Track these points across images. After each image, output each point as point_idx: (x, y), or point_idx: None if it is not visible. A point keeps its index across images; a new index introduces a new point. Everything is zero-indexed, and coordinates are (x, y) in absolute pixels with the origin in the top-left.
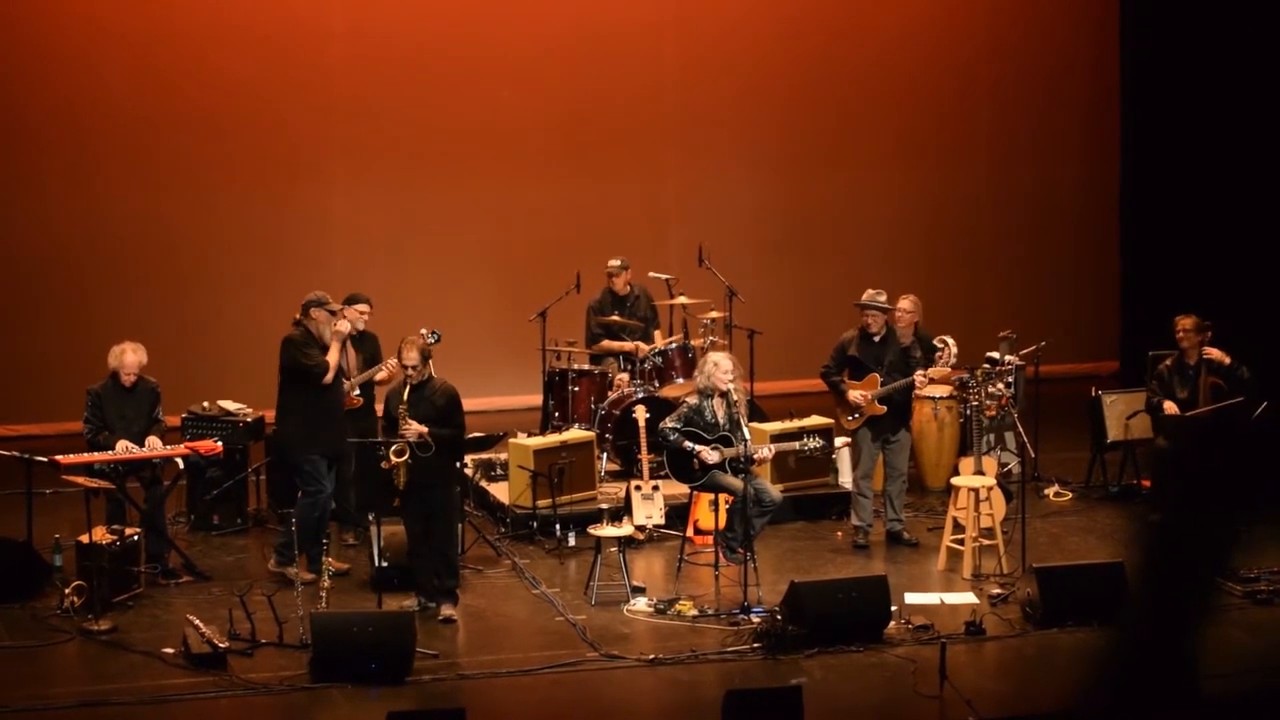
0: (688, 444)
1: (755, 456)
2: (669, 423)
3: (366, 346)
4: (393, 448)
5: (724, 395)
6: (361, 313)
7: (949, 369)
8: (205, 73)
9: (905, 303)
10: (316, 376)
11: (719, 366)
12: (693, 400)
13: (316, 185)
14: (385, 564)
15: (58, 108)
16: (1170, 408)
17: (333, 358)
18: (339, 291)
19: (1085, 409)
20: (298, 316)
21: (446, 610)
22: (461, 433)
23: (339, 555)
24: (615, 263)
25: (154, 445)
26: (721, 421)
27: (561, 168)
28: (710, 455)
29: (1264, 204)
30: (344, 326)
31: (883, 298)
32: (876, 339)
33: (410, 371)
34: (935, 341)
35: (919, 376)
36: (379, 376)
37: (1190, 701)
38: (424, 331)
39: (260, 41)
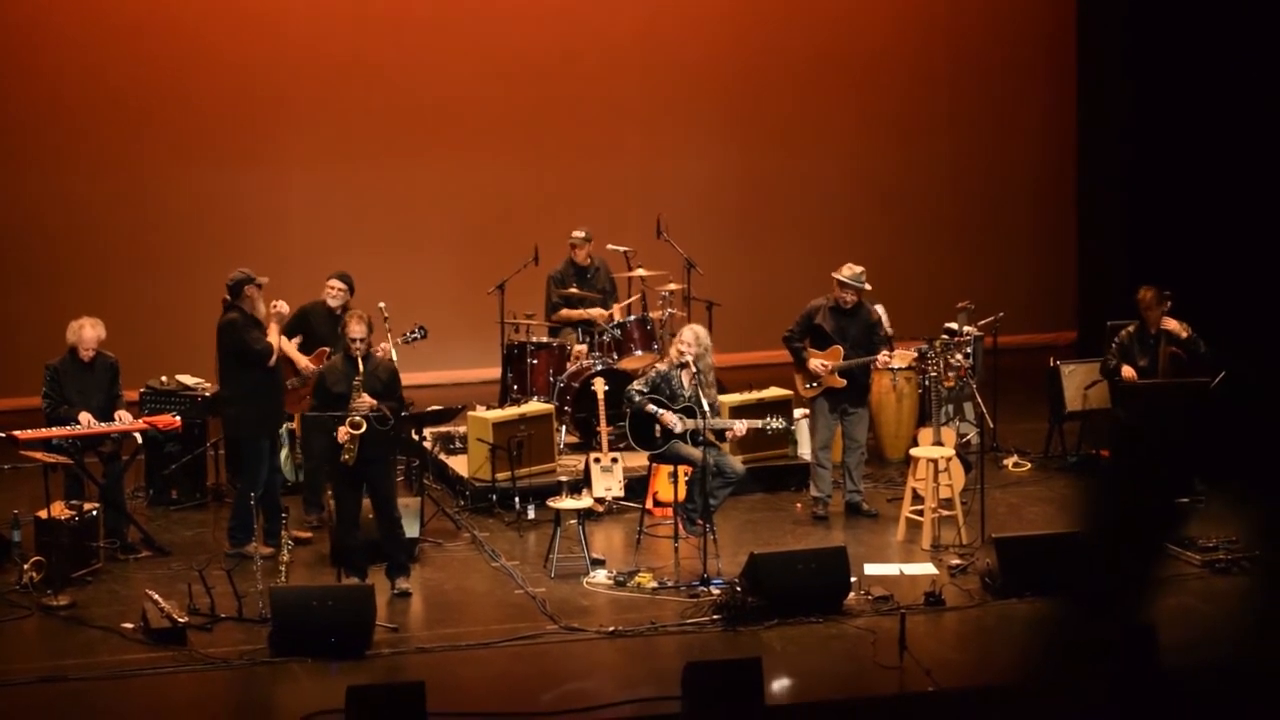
0: (650, 407)
1: (727, 433)
2: (635, 385)
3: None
4: (349, 420)
5: (689, 368)
6: (330, 287)
7: (911, 354)
8: (169, 51)
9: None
10: (263, 359)
11: (681, 339)
12: (662, 367)
13: (275, 161)
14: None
15: (22, 84)
16: (1128, 372)
17: (273, 338)
18: (295, 270)
19: (1044, 379)
20: (227, 298)
21: (401, 584)
22: (402, 406)
23: (301, 527)
24: (580, 234)
25: (124, 419)
26: (688, 393)
27: (519, 141)
28: (671, 419)
29: (1221, 174)
30: (283, 308)
31: (865, 279)
32: (846, 313)
33: (358, 344)
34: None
35: (883, 356)
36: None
37: (1151, 670)
38: (384, 312)
39: (222, 20)
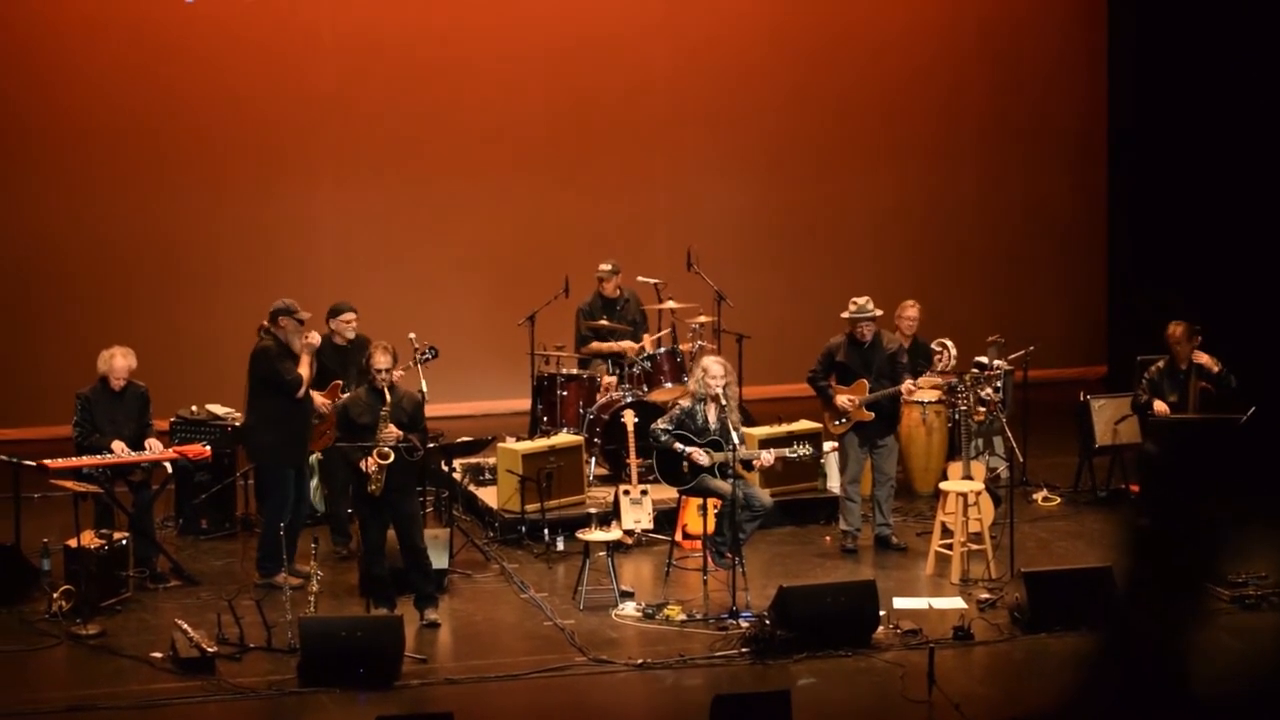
0: (678, 445)
1: (755, 462)
2: (660, 424)
3: (358, 354)
4: (377, 451)
5: (716, 400)
6: (347, 321)
7: (940, 376)
8: (195, 78)
9: (913, 310)
10: (292, 389)
11: (708, 372)
12: (685, 403)
13: (304, 190)
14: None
15: (49, 113)
16: (1160, 407)
17: (304, 370)
18: (323, 298)
19: (1073, 414)
20: (265, 324)
21: (430, 615)
22: (427, 437)
23: (323, 563)
24: (606, 267)
25: (154, 448)
26: (713, 426)
27: (550, 172)
28: (701, 457)
29: (1252, 208)
30: (315, 339)
31: (871, 305)
32: (865, 345)
33: (384, 375)
34: (934, 345)
35: (907, 385)
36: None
37: (1180, 706)
38: (414, 342)
39: (250, 47)
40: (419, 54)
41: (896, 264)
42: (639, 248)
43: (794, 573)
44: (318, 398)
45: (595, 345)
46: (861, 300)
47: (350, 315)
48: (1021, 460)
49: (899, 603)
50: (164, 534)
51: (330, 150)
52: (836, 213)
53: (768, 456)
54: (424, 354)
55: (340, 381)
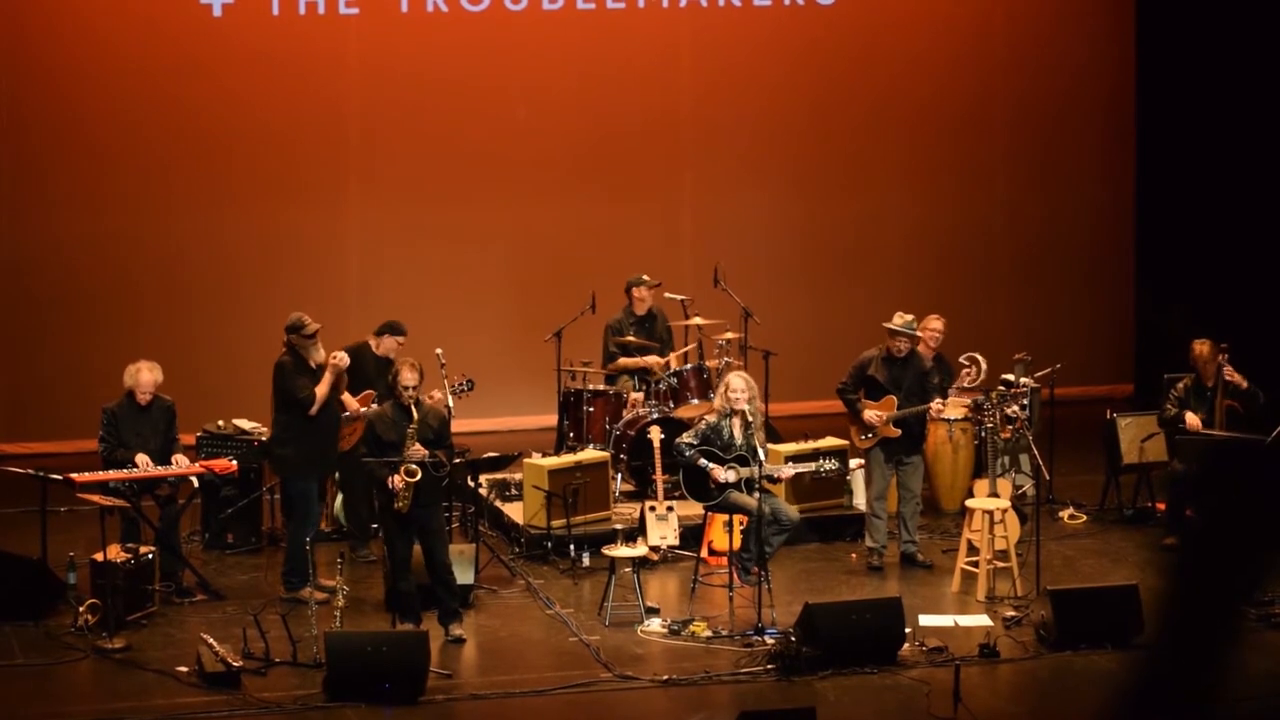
0: (702, 461)
1: (777, 476)
2: (685, 438)
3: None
4: (404, 468)
5: (742, 415)
6: (399, 343)
7: (969, 393)
8: (219, 96)
9: (938, 323)
10: (304, 407)
11: (730, 386)
12: (712, 418)
13: (332, 206)
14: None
15: (70, 129)
16: (1192, 420)
17: (321, 390)
18: (350, 315)
19: (1100, 432)
20: (286, 339)
21: (455, 630)
22: (453, 453)
23: (349, 575)
24: (648, 278)
25: (180, 462)
26: (739, 441)
27: (577, 189)
28: (722, 474)
29: None
30: (344, 360)
31: (915, 325)
32: (898, 362)
33: (410, 392)
34: (963, 359)
35: (935, 404)
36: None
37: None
38: (441, 358)
39: (274, 64)
40: (445, 75)
41: (923, 280)
42: (666, 264)
43: (820, 589)
44: (352, 404)
45: (622, 361)
46: (909, 317)
47: (401, 339)
48: (1048, 478)
49: (925, 620)
50: (190, 548)
51: (356, 167)
52: (863, 229)
53: (788, 470)
54: (461, 386)
55: (374, 392)
